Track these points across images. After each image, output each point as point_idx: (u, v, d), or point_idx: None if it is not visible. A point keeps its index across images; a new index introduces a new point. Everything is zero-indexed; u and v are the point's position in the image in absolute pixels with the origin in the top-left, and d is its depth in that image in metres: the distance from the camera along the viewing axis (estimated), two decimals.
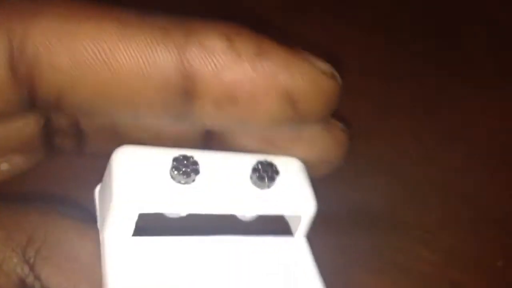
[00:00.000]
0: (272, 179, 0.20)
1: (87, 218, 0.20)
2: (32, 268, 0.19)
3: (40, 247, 0.19)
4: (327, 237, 0.19)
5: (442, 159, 0.33)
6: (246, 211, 0.21)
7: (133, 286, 0.18)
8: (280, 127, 0.20)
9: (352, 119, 0.26)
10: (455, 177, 0.32)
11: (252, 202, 0.20)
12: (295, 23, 0.39)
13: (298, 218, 0.21)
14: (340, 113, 0.21)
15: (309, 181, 0.22)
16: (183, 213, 0.20)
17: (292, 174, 0.22)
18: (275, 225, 0.22)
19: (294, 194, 0.21)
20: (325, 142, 0.22)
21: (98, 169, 0.20)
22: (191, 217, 0.21)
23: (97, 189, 0.21)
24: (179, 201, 0.19)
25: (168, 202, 0.19)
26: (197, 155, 0.20)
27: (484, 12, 0.42)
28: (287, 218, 0.23)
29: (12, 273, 0.19)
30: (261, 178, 0.20)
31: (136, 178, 0.19)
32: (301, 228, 0.21)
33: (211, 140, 0.21)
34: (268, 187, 0.20)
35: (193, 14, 0.19)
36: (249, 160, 0.21)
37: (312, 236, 0.21)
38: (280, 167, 0.21)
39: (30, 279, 0.19)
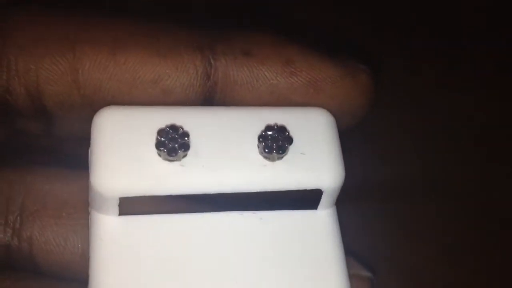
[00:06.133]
0: (282, 150, 0.17)
1: (73, 165, 0.18)
2: (17, 230, 0.17)
3: (24, 202, 0.17)
4: None
5: (441, 156, 0.33)
6: (251, 188, 0.17)
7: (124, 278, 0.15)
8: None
9: None
10: (454, 174, 0.32)
11: (257, 177, 0.17)
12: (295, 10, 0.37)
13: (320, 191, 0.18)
14: None
15: (337, 139, 0.18)
16: (174, 193, 0.17)
17: (314, 131, 0.18)
18: (294, 197, 0.18)
19: (312, 163, 0.17)
20: (347, 92, 0.18)
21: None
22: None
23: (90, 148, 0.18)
24: (166, 181, 0.16)
25: (152, 184, 0.16)
26: (191, 116, 0.17)
27: (484, 11, 0.42)
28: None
29: None
30: (269, 149, 0.17)
31: (118, 154, 0.16)
32: (324, 201, 0.18)
33: (215, 95, 0.18)
34: (278, 158, 0.17)
35: None
36: (258, 119, 0.17)
37: None
38: (298, 124, 0.17)
39: (14, 243, 0.17)
